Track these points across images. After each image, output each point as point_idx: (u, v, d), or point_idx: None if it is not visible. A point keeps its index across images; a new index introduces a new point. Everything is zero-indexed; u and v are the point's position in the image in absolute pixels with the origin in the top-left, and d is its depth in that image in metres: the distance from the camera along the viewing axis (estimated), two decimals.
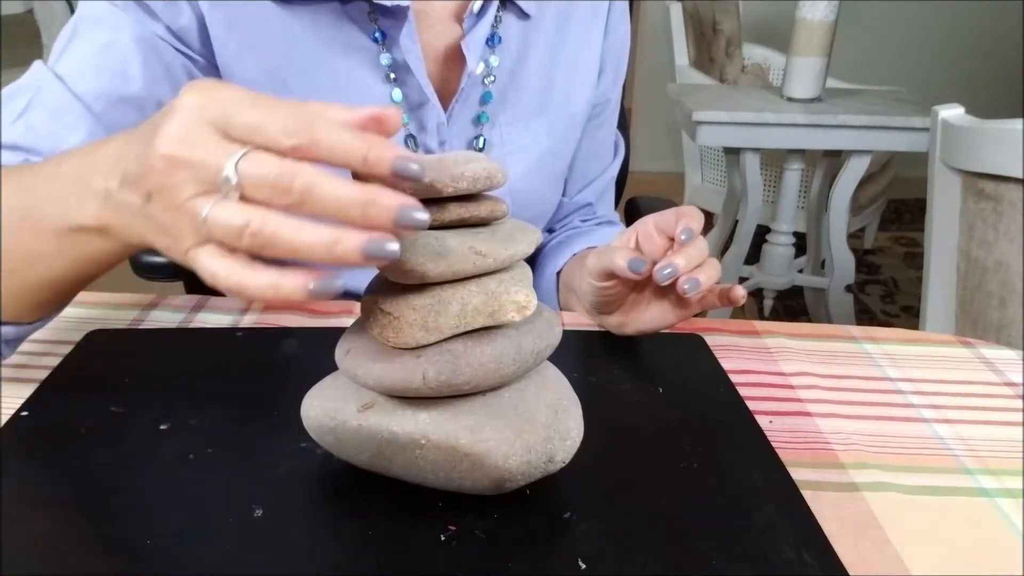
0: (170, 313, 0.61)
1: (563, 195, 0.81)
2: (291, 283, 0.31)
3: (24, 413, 0.47)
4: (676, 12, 2.41)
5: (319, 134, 0.30)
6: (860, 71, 2.76)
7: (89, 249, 0.40)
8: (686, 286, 0.51)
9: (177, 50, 0.60)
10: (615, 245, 0.55)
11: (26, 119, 0.56)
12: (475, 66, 0.65)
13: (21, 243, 0.41)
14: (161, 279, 0.95)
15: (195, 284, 0.91)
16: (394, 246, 0.30)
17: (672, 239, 0.53)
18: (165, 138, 0.31)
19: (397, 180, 0.31)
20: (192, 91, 0.32)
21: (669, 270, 0.51)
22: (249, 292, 0.31)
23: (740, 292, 0.55)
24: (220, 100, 0.31)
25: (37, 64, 0.58)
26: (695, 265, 0.51)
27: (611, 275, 0.54)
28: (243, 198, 0.30)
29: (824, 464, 0.47)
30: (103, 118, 0.57)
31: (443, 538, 0.39)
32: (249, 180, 0.30)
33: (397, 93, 0.64)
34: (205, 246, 0.32)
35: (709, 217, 2.70)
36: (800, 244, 2.04)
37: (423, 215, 0.30)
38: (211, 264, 0.31)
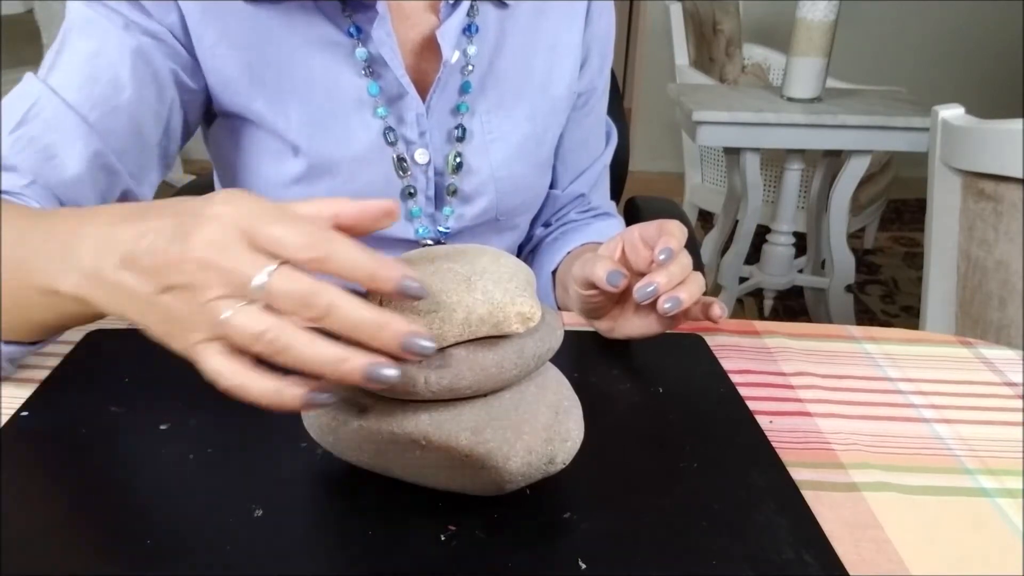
0: None
1: (556, 187, 0.81)
2: (292, 392, 0.33)
3: (24, 413, 0.47)
4: (676, 12, 2.41)
5: (334, 252, 0.33)
6: (860, 71, 2.76)
7: (68, 309, 0.43)
8: (667, 305, 0.51)
9: (166, 50, 0.60)
10: (600, 254, 0.55)
11: (23, 132, 0.55)
12: (450, 55, 0.65)
13: (12, 290, 0.44)
14: None
15: None
16: (392, 372, 0.33)
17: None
18: (200, 242, 0.34)
19: (401, 298, 0.35)
20: (225, 201, 0.35)
21: (651, 288, 0.51)
22: (250, 395, 0.33)
23: (717, 312, 0.55)
24: (248, 211, 0.34)
25: (29, 76, 0.58)
26: (677, 282, 0.51)
27: (593, 284, 0.54)
28: (266, 307, 0.33)
29: (824, 464, 0.47)
30: (98, 127, 0.57)
31: (443, 538, 0.39)
32: (279, 294, 0.32)
33: (374, 87, 0.64)
34: (213, 343, 0.34)
35: (709, 217, 2.70)
36: (800, 244, 2.04)
37: (429, 344, 0.33)
38: (216, 362, 0.33)
